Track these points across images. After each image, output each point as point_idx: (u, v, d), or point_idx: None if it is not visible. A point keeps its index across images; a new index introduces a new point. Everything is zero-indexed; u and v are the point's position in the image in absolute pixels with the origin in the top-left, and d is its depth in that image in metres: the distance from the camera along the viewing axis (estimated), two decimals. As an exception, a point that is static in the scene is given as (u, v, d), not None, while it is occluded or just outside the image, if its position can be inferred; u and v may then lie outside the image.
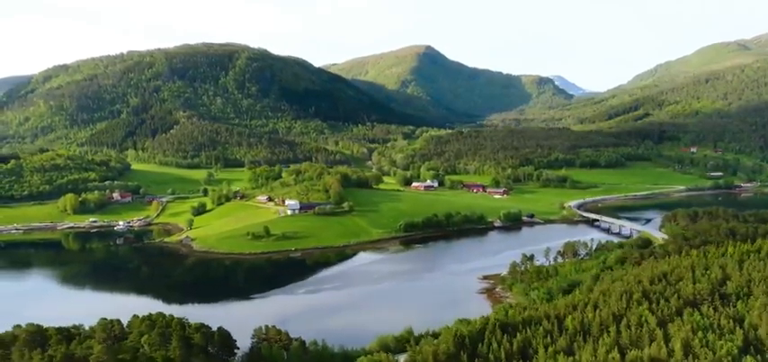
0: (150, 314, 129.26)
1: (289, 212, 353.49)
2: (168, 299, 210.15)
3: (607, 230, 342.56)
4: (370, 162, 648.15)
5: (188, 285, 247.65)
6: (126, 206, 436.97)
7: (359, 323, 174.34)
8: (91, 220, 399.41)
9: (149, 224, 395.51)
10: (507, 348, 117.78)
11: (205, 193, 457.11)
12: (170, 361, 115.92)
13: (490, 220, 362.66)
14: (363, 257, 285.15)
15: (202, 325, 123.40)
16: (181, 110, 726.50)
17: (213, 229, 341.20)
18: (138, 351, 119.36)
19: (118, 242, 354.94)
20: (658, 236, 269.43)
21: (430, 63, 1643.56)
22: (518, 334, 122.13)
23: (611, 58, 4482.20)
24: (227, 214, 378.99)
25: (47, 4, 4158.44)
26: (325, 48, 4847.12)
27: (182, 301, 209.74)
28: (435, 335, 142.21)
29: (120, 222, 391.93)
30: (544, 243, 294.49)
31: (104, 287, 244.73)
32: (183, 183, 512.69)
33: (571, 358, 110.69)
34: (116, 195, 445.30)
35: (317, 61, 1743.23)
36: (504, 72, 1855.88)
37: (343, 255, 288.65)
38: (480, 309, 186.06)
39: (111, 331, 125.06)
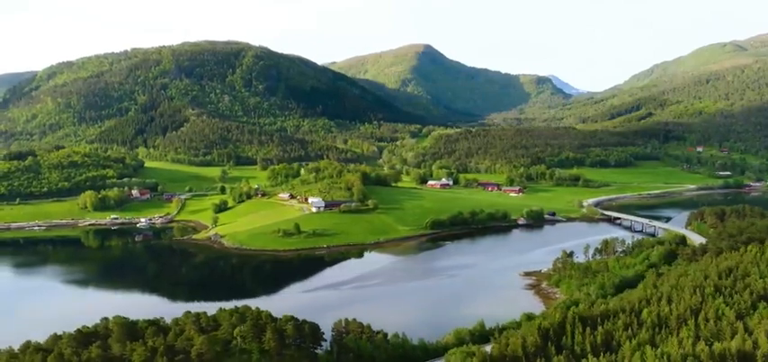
0: (237, 307, 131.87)
1: (313, 210, 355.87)
2: (217, 295, 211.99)
3: (629, 228, 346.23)
4: (380, 160, 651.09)
5: (231, 281, 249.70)
6: (145, 203, 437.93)
7: (418, 317, 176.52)
8: (112, 217, 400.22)
9: (171, 221, 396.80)
10: (592, 340, 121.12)
11: (223, 190, 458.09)
12: (265, 352, 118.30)
13: (514, 218, 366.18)
14: (395, 255, 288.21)
15: (292, 317, 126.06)
16: (190, 107, 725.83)
17: (239, 226, 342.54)
18: (229, 343, 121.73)
19: (137, 239, 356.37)
20: (686, 233, 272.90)
21: (429, 62, 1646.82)
22: (599, 327, 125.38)
23: (603, 58, 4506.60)
24: (250, 211, 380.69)
25: (46, 3, 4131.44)
26: (324, 46, 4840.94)
27: (230, 296, 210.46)
28: (505, 328, 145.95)
29: (142, 219, 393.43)
30: (570, 241, 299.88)
31: (154, 285, 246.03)
32: (198, 180, 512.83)
33: (659, 350, 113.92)
34: (135, 193, 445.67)
35: (316, 60, 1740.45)
36: (502, 72, 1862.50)
37: (372, 251, 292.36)
38: (531, 305, 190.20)
39: (199, 323, 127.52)
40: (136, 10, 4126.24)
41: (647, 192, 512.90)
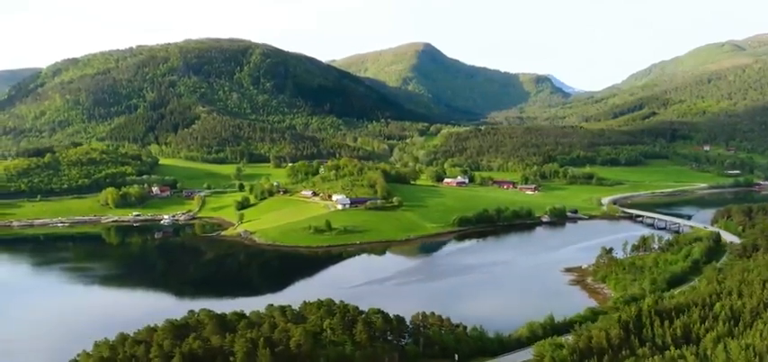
0: (320, 300, 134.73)
1: (339, 207, 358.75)
2: (264, 290, 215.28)
3: (652, 226, 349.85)
4: (392, 158, 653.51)
5: (273, 276, 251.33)
6: (165, 200, 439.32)
7: (473, 311, 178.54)
8: (135, 214, 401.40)
9: (193, 218, 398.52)
10: (672, 332, 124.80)
11: (241, 188, 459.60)
12: (356, 344, 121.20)
13: (538, 215, 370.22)
14: (428, 251, 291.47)
15: (379, 310, 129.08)
16: (200, 105, 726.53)
17: (266, 222, 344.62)
18: (319, 335, 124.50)
19: (156, 236, 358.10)
20: (720, 231, 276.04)
21: (429, 61, 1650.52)
22: (675, 320, 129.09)
23: (599, 58, 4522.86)
24: (274, 208, 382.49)
25: (45, 3, 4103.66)
26: (324, 45, 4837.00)
27: (275, 290, 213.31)
28: (573, 322, 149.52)
29: (165, 216, 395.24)
30: (597, 238, 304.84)
31: (201, 281, 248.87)
32: (213, 177, 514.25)
33: (742, 341, 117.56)
34: (155, 190, 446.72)
35: (317, 58, 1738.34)
36: (501, 70, 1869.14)
37: (403, 248, 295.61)
38: (582, 299, 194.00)
39: (285, 316, 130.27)
40: (135, 9, 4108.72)
41: (659, 190, 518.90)
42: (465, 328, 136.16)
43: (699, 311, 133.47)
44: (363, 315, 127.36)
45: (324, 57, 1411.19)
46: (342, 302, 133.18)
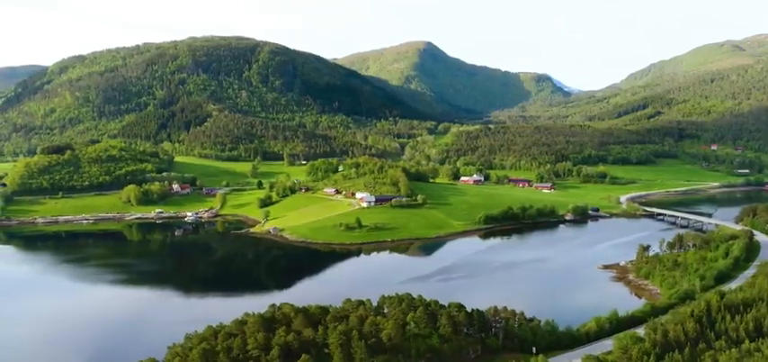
0: (398, 294, 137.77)
1: (364, 205, 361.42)
2: (316, 284, 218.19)
3: (674, 224, 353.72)
4: (404, 156, 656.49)
5: (320, 272, 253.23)
6: (186, 198, 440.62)
7: (531, 306, 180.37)
8: (157, 211, 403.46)
9: (216, 215, 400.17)
10: (744, 326, 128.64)
11: (260, 185, 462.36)
12: (442, 338, 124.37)
13: (561, 213, 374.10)
14: (460, 248, 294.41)
15: (460, 305, 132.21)
16: (210, 103, 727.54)
17: (294, 220, 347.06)
18: (404, 328, 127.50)
19: (176, 233, 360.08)
20: (752, 230, 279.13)
21: (431, 59, 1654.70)
22: (745, 314, 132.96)
23: (596, 58, 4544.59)
24: (299, 206, 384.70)
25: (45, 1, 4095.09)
26: (324, 43, 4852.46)
27: (327, 287, 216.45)
28: (636, 316, 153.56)
29: (189, 213, 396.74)
30: (623, 236, 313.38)
31: (258, 277, 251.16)
32: (229, 175, 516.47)
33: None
34: (176, 187, 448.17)
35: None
36: (501, 69, 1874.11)
37: (429, 245, 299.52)
38: (628, 296, 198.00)
39: (366, 310, 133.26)
40: (135, 8, 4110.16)
41: (673, 189, 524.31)
42: (539, 321, 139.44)
43: (766, 305, 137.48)
44: (445, 309, 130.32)
45: (326, 55, 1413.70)
46: (420, 296, 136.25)
